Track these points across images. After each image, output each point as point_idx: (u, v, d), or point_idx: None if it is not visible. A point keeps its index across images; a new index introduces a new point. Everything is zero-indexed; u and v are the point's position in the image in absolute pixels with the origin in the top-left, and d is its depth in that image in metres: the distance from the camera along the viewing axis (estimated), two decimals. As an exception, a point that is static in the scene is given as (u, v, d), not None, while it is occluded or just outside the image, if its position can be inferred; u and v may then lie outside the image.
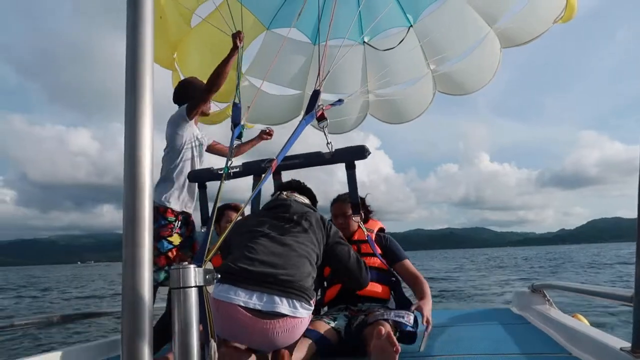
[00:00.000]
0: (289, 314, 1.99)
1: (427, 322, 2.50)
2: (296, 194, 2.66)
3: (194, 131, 3.37)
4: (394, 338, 1.94)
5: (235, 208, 3.38)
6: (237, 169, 2.87)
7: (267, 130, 3.88)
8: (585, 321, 3.13)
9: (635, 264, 1.65)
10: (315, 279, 2.25)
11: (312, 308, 2.13)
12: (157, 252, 3.06)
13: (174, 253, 3.12)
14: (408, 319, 2.47)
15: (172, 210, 3.17)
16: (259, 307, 1.96)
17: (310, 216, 2.43)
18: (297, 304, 2.02)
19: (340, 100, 3.15)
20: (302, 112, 4.82)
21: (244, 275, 2.03)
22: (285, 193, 2.64)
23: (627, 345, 1.79)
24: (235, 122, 2.62)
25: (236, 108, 2.68)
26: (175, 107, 3.42)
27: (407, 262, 2.98)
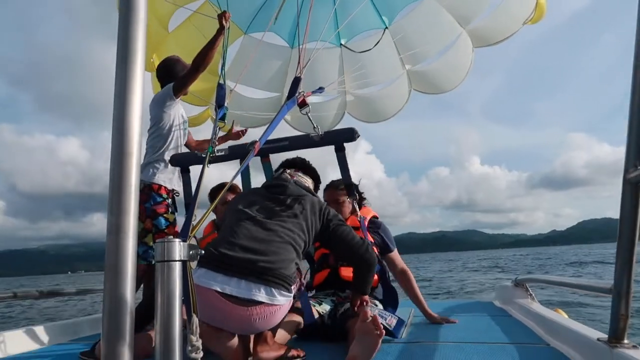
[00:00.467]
0: (266, 301, 1.98)
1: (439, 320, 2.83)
2: (300, 173, 2.61)
3: (180, 110, 3.37)
4: (379, 322, 1.95)
5: (231, 189, 3.38)
6: (223, 153, 2.83)
7: (242, 131, 3.88)
8: (565, 315, 3.18)
9: (615, 257, 1.68)
10: (308, 263, 2.24)
11: (292, 294, 2.10)
12: (156, 229, 3.05)
13: (171, 230, 3.11)
14: (391, 321, 2.51)
15: (165, 188, 3.17)
16: (235, 294, 1.95)
17: (306, 201, 2.37)
18: (275, 292, 2.00)
19: (321, 88, 3.16)
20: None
21: (224, 260, 2.02)
22: (288, 171, 2.59)
23: (604, 336, 1.82)
24: (220, 104, 2.60)
25: (221, 89, 2.65)
26: None
27: (396, 254, 3.05)
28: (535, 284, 3.61)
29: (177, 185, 3.27)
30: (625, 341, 1.69)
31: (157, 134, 3.24)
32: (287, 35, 4.66)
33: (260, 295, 1.97)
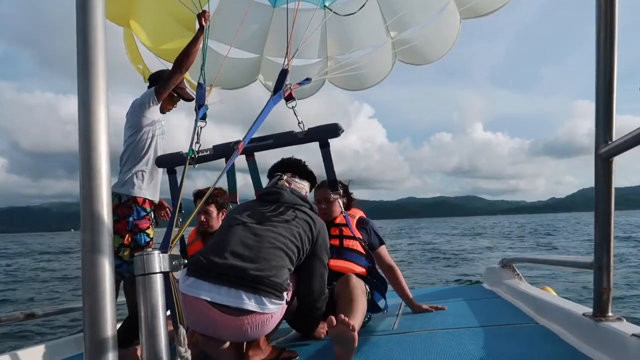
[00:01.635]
0: (256, 310, 1.94)
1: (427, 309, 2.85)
2: (296, 179, 2.56)
3: (159, 115, 3.26)
4: (347, 319, 1.88)
5: (217, 192, 3.35)
6: (207, 152, 2.79)
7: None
8: (553, 292, 3.25)
9: (594, 232, 1.71)
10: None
11: (283, 301, 2.06)
12: (134, 245, 2.98)
13: (151, 246, 3.04)
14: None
15: (150, 202, 3.11)
16: (225, 303, 1.92)
17: (300, 210, 2.33)
18: (266, 300, 1.96)
19: (307, 79, 3.13)
20: (259, 76, 4.63)
21: (212, 268, 1.98)
22: (285, 178, 2.54)
23: (589, 310, 1.86)
24: (200, 103, 2.57)
25: (200, 88, 2.62)
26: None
27: (384, 249, 3.12)
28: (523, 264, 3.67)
29: (156, 194, 3.18)
30: (610, 314, 1.71)
31: (137, 142, 3.11)
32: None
33: (251, 304, 1.93)
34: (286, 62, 2.59)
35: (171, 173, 2.95)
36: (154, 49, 3.99)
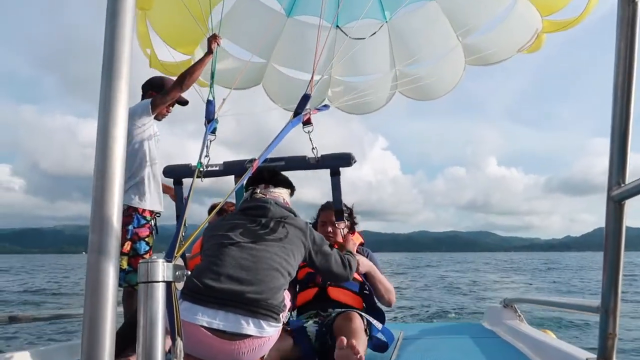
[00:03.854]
0: (254, 334, 1.92)
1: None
2: (271, 189, 2.46)
3: (153, 124, 3.26)
4: (354, 344, 1.90)
5: (230, 207, 3.35)
6: (217, 168, 2.79)
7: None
8: (554, 335, 3.19)
9: (602, 275, 1.69)
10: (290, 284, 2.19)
11: (280, 323, 2.05)
12: (134, 253, 2.97)
13: (150, 255, 3.03)
14: (378, 325, 2.53)
15: (151, 211, 3.11)
16: (222, 328, 1.89)
17: (289, 224, 2.28)
18: (264, 324, 1.94)
19: (326, 106, 3.18)
20: (261, 83, 4.62)
21: (209, 293, 1.94)
22: (259, 190, 2.44)
23: (593, 356, 1.81)
24: (209, 118, 2.59)
25: (210, 104, 2.66)
26: None
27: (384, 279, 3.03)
28: (525, 304, 3.61)
29: (158, 203, 3.20)
30: (614, 361, 1.68)
31: (132, 152, 3.09)
32: (287, 1, 4.42)
33: (250, 328, 1.90)
34: (309, 88, 2.62)
35: (178, 184, 2.95)
36: (163, 36, 3.98)
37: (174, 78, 3.35)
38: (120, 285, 2.84)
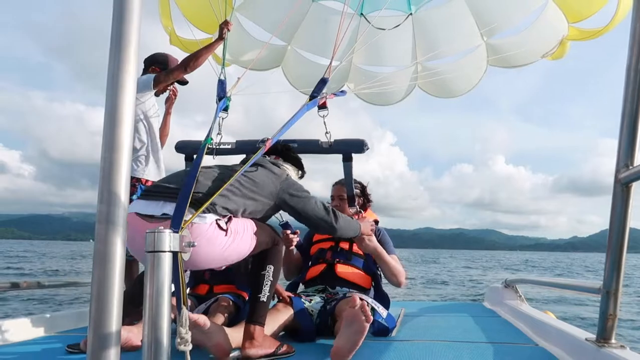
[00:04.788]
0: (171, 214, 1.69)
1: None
2: (280, 161, 2.39)
3: (153, 100, 3.32)
4: (367, 309, 1.87)
5: None
6: (229, 146, 2.80)
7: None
8: (554, 316, 3.21)
9: (605, 257, 1.70)
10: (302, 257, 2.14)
11: (209, 219, 1.85)
12: None
13: None
14: (382, 311, 2.53)
15: (153, 182, 3.15)
16: (150, 213, 1.86)
17: (265, 167, 2.19)
18: (194, 211, 1.74)
19: (343, 92, 3.18)
20: (281, 65, 4.60)
21: (152, 188, 2.05)
22: (268, 158, 2.36)
23: (592, 336, 1.84)
24: (220, 96, 2.58)
25: (221, 83, 2.65)
26: None
27: (395, 258, 3.03)
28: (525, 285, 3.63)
29: (158, 176, 3.25)
30: (613, 341, 1.69)
31: (135, 124, 3.15)
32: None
33: (168, 209, 1.80)
34: (327, 72, 2.60)
35: (189, 159, 2.97)
36: (186, 13, 3.94)
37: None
38: None
